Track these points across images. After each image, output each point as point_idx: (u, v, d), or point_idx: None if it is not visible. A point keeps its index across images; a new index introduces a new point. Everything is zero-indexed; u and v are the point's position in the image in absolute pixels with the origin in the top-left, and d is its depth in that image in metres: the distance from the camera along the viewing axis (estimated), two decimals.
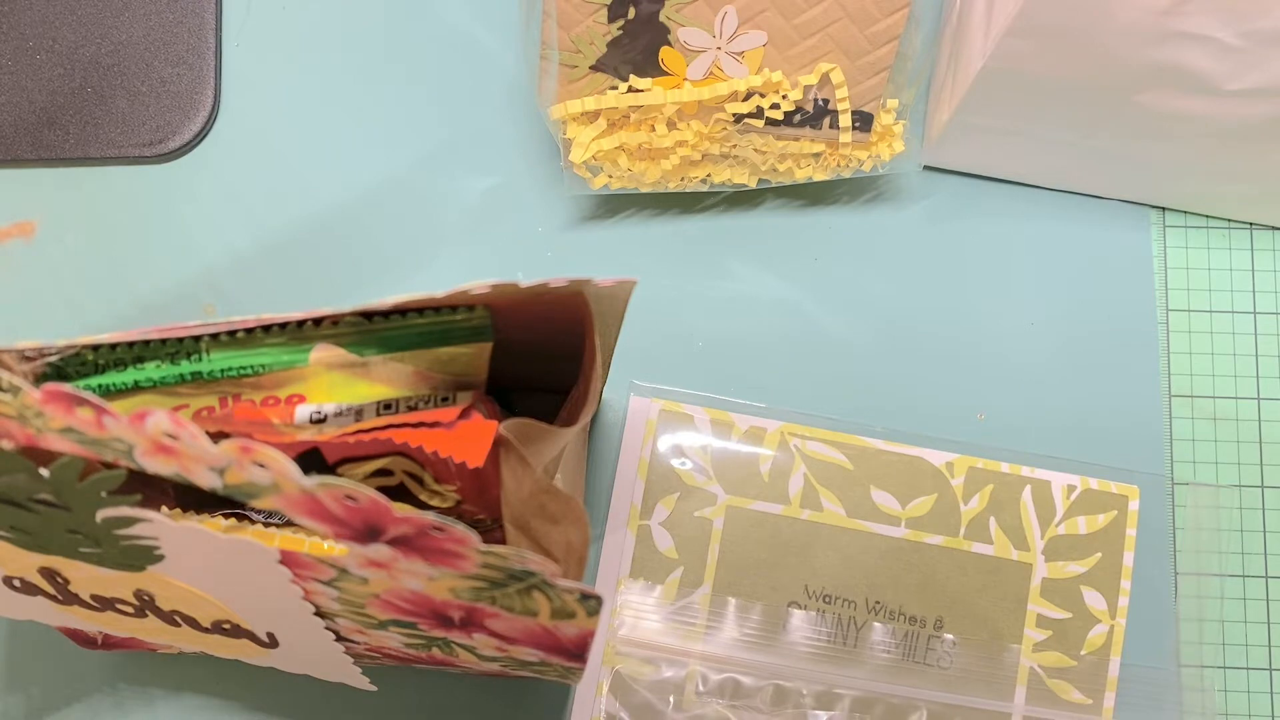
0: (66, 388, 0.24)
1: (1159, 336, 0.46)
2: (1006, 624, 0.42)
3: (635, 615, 0.42)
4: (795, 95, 0.42)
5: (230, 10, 0.49)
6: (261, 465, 0.24)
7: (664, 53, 0.41)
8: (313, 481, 0.24)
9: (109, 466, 0.26)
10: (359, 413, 0.31)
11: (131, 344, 0.30)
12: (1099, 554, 0.43)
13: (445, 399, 0.32)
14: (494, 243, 0.47)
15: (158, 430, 0.24)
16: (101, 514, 0.27)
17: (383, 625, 0.31)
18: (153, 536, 0.28)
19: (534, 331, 0.32)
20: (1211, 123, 0.41)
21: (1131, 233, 0.47)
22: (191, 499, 0.33)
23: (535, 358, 0.34)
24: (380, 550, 0.26)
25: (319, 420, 0.31)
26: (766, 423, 0.44)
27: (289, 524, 0.32)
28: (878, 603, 0.42)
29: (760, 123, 0.43)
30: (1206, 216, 0.47)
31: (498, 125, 0.48)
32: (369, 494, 0.24)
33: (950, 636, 0.42)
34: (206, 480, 0.25)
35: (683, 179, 0.45)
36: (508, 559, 0.25)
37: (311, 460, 0.30)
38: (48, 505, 0.26)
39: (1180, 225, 0.47)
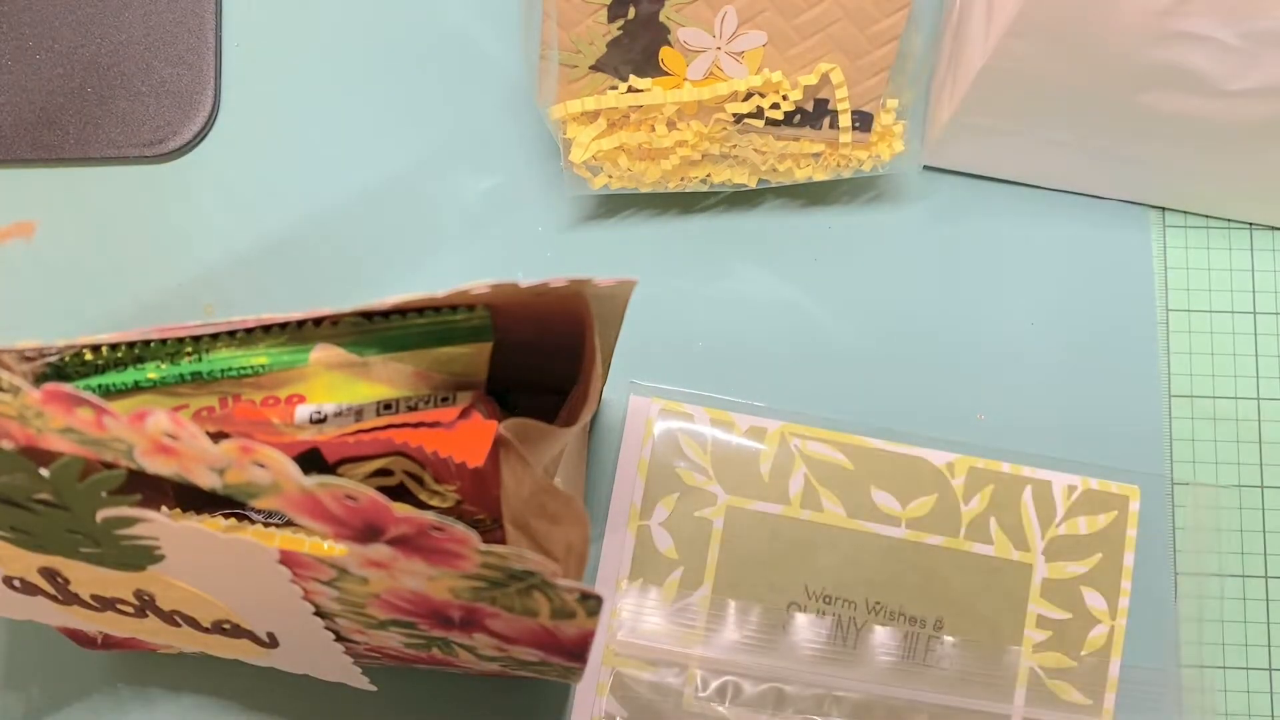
0: (66, 388, 0.24)
1: (1159, 336, 0.46)
2: (1006, 625, 0.42)
3: (635, 616, 0.42)
4: (795, 95, 0.42)
5: (230, 10, 0.49)
6: (261, 465, 0.24)
7: (664, 53, 0.41)
8: (312, 481, 0.24)
9: (109, 466, 0.26)
10: (359, 413, 0.31)
11: (132, 344, 0.30)
12: (1100, 554, 0.43)
13: (445, 399, 0.32)
14: (494, 243, 0.47)
15: (157, 430, 0.24)
16: (101, 514, 0.27)
17: (383, 625, 0.31)
18: (153, 536, 0.28)
19: (534, 331, 0.32)
20: (1212, 123, 0.41)
21: (1131, 233, 0.47)
22: (191, 499, 0.33)
23: (535, 358, 0.34)
24: (380, 550, 0.26)
25: (319, 420, 0.31)
26: (766, 422, 0.44)
27: (289, 524, 0.32)
28: (878, 603, 0.42)
29: (760, 123, 0.43)
30: (1206, 216, 0.47)
31: (498, 125, 0.48)
32: (369, 494, 0.24)
33: (950, 638, 0.42)
34: (206, 480, 0.25)
35: (683, 179, 0.45)
36: (508, 559, 0.25)
37: (311, 460, 0.30)
38: (48, 505, 0.26)
39: (1180, 225, 0.47)
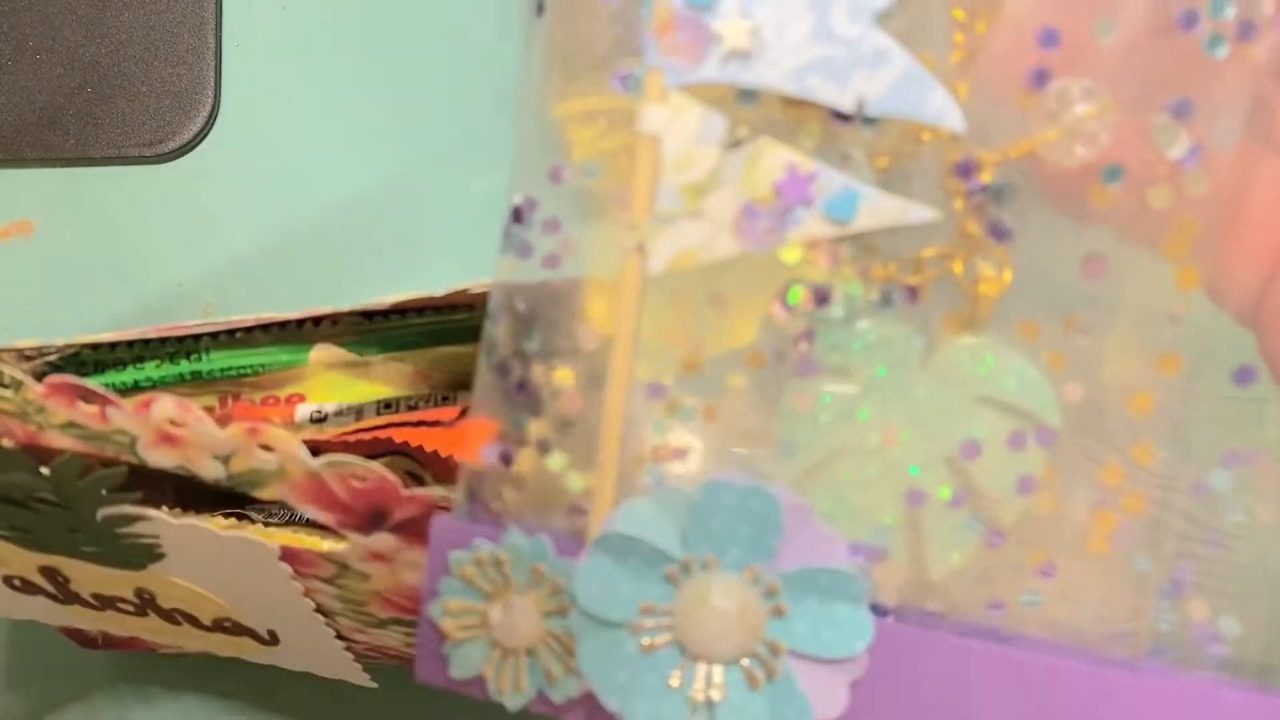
0: (71, 379, 0.24)
1: None
2: None
3: None
4: None
5: (230, 10, 0.49)
6: (268, 448, 0.24)
7: None
8: (320, 462, 0.24)
9: (108, 465, 0.26)
10: (359, 412, 0.31)
11: (131, 343, 0.30)
12: None
13: (446, 398, 0.32)
14: (494, 242, 0.46)
15: (163, 417, 0.24)
16: (102, 512, 0.27)
17: (383, 624, 0.31)
18: (153, 534, 0.28)
19: None
20: None
21: None
22: (191, 499, 0.33)
23: None
24: (383, 540, 0.26)
25: (319, 419, 0.31)
26: None
27: (289, 523, 0.32)
28: None
29: None
30: None
31: (498, 125, 0.48)
32: (376, 471, 0.24)
33: None
34: (210, 470, 0.25)
35: None
36: None
37: None
38: (48, 504, 0.26)
39: None
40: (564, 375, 0.23)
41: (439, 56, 0.48)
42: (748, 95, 0.21)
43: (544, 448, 0.23)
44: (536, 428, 0.23)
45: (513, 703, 0.23)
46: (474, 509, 0.23)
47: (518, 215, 0.24)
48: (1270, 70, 0.19)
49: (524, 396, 0.23)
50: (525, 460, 0.23)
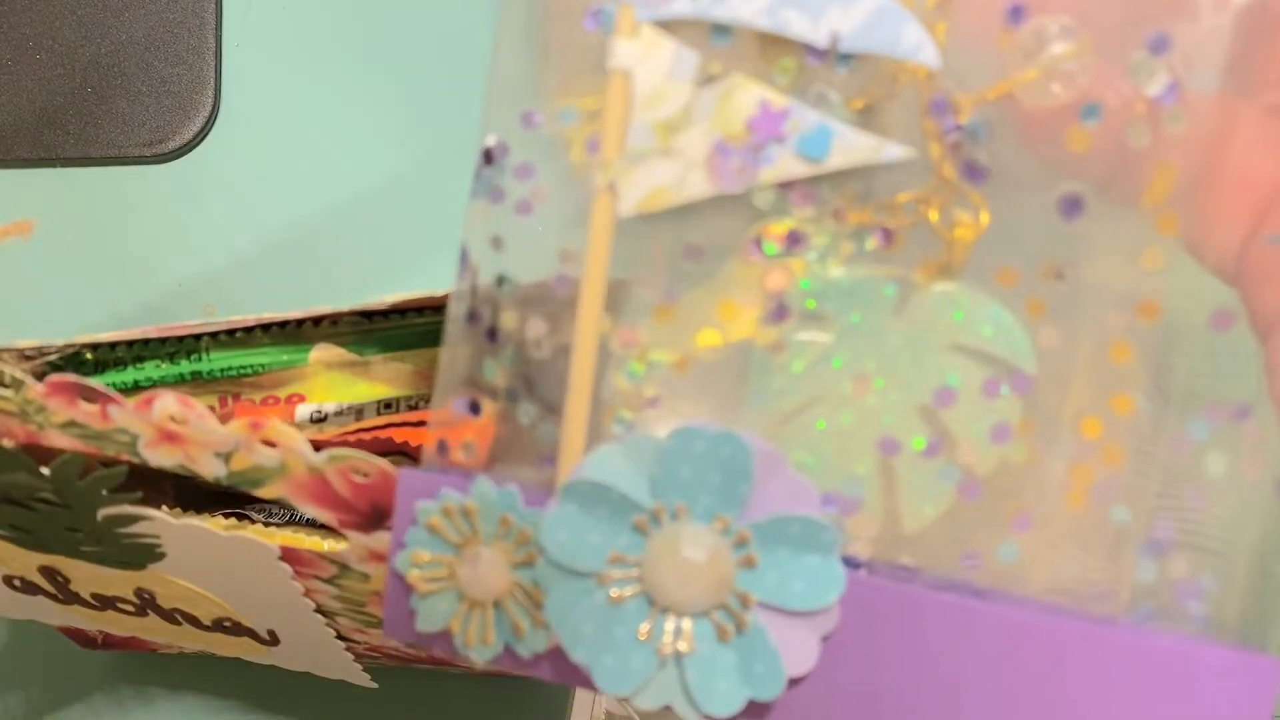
0: (71, 378, 0.24)
1: None
2: None
3: None
4: None
5: (230, 10, 0.49)
6: (270, 443, 0.24)
7: None
8: (322, 457, 0.24)
9: (108, 465, 0.26)
10: (359, 412, 0.31)
11: (131, 343, 0.30)
12: None
13: None
14: None
15: (164, 414, 0.24)
16: (102, 512, 0.27)
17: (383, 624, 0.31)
18: (154, 534, 0.28)
19: None
20: None
21: None
22: (191, 500, 0.33)
23: None
24: (384, 539, 0.26)
25: (319, 419, 0.31)
26: None
27: (290, 523, 0.32)
28: None
29: None
30: None
31: None
32: (378, 465, 0.24)
33: None
34: (211, 469, 0.25)
35: None
36: None
37: None
38: (48, 504, 0.26)
39: None
40: (535, 322, 0.22)
41: (439, 57, 0.48)
42: (721, 31, 0.20)
43: (513, 397, 0.22)
44: (506, 376, 0.22)
45: (480, 656, 0.22)
46: (442, 460, 0.22)
47: (489, 157, 0.23)
48: (1252, 13, 0.19)
49: (494, 344, 0.23)
50: (494, 410, 0.22)
